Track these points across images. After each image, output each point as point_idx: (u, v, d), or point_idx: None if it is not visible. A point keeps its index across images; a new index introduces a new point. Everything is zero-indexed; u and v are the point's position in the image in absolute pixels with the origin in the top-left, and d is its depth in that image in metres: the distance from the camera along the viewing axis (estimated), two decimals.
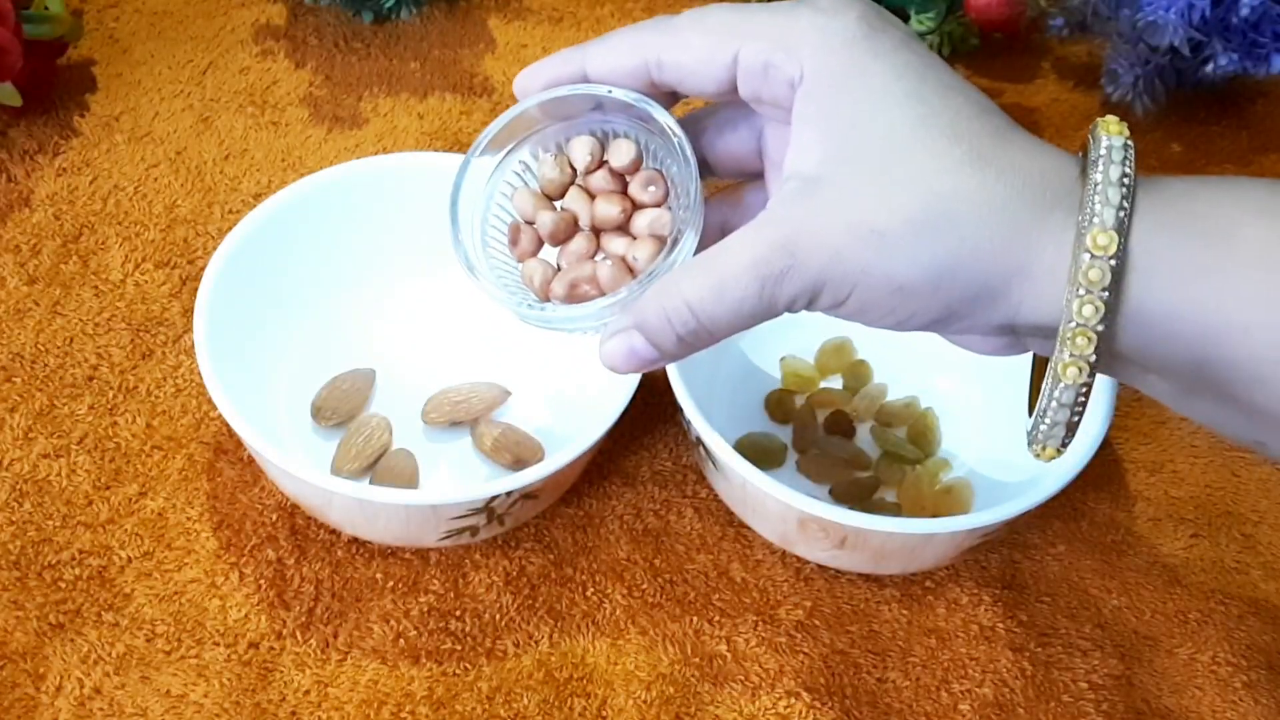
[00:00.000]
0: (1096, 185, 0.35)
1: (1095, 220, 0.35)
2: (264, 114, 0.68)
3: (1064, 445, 0.38)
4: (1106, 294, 0.35)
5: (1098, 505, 0.57)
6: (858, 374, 0.59)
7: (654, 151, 0.41)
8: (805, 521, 0.49)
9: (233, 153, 0.67)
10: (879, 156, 0.36)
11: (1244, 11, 0.63)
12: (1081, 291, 0.35)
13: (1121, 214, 0.35)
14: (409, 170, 0.57)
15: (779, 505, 0.48)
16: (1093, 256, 0.34)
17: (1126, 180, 0.35)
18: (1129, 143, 0.36)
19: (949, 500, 0.54)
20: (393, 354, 0.58)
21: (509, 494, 0.48)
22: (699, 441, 0.51)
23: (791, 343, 0.60)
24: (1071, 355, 0.35)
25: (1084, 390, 0.36)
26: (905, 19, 0.72)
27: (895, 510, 0.55)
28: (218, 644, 0.50)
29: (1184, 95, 0.72)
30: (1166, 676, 0.52)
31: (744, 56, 0.38)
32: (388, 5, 0.73)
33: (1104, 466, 0.58)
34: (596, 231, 0.41)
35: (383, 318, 0.59)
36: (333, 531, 0.53)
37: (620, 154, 0.41)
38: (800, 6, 0.38)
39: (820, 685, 0.51)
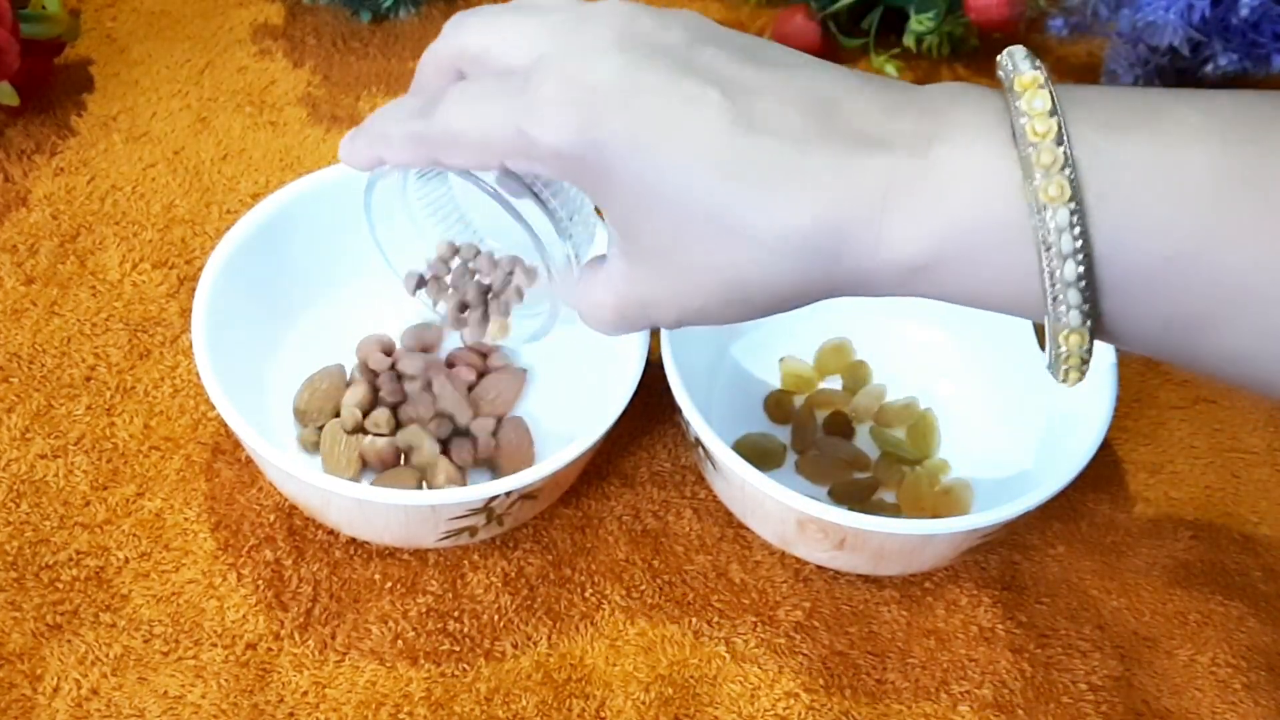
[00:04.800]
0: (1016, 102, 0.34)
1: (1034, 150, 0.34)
2: (262, 114, 0.68)
3: (1083, 375, 0.37)
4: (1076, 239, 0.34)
5: (1097, 506, 0.57)
6: (857, 375, 0.59)
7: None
8: (804, 522, 0.49)
9: (231, 152, 0.66)
10: (663, 241, 0.38)
11: (1244, 12, 0.63)
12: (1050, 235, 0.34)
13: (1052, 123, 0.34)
14: None
15: (778, 506, 0.48)
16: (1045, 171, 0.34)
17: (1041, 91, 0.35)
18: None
19: (948, 501, 0.54)
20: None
21: (508, 494, 0.48)
22: (698, 442, 0.51)
23: (790, 343, 0.59)
24: (1065, 308, 0.35)
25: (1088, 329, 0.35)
26: (905, 19, 0.72)
27: (894, 511, 0.54)
28: (215, 645, 0.50)
29: None
30: (1166, 678, 0.52)
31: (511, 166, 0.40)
32: (386, 5, 0.72)
33: (1104, 467, 0.58)
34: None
35: (381, 317, 0.59)
36: (331, 532, 0.53)
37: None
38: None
39: (819, 686, 0.51)
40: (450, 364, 0.57)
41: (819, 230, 0.36)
